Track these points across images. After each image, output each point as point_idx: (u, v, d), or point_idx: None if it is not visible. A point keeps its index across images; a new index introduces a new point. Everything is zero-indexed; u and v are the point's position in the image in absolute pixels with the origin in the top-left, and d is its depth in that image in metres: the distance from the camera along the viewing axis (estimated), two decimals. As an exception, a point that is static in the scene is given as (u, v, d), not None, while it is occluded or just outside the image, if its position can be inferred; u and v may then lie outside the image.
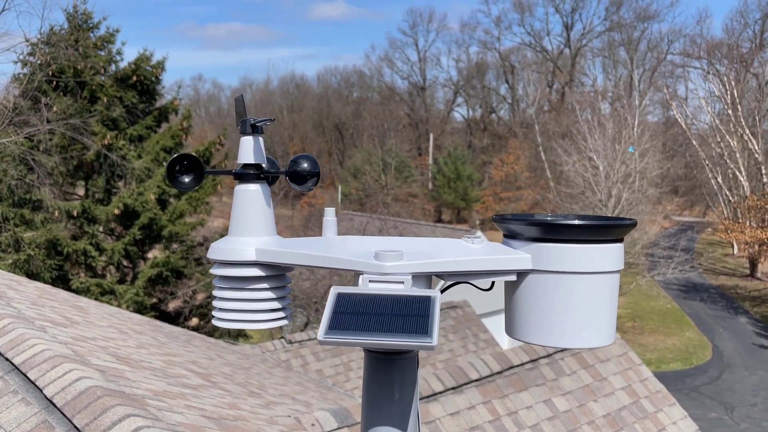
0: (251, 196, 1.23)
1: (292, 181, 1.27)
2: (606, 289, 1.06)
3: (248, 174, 1.24)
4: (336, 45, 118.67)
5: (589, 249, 1.04)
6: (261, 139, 1.24)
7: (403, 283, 1.02)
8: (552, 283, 1.05)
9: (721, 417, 14.40)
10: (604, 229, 1.05)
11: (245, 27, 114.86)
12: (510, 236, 1.12)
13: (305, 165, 1.27)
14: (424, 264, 1.05)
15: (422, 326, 0.94)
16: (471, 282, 1.12)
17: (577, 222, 1.05)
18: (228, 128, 16.91)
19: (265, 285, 1.20)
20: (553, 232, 1.05)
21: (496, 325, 11.72)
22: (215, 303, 1.22)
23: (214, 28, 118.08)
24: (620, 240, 1.08)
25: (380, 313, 0.96)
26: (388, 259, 1.03)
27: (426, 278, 1.07)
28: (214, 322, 1.22)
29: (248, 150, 1.23)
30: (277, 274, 1.21)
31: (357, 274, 1.06)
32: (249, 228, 1.22)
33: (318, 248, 1.16)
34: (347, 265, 1.08)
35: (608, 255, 1.05)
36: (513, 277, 1.09)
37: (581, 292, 1.04)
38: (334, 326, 0.95)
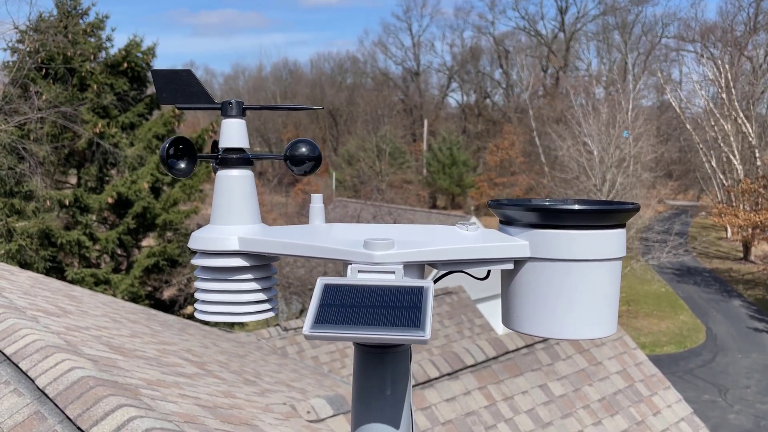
0: (234, 182, 1.18)
1: (292, 163, 1.21)
2: (608, 278, 1.01)
3: (231, 159, 1.18)
4: (330, 31, 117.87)
5: (590, 235, 0.99)
6: (244, 121, 1.19)
7: (394, 273, 0.97)
8: (551, 272, 1.00)
9: (715, 399, 14.53)
10: (606, 214, 1.00)
11: (240, 14, 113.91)
12: (506, 222, 1.07)
13: (304, 149, 1.20)
14: (417, 253, 0.99)
15: (414, 319, 0.89)
16: (466, 271, 1.08)
17: (577, 207, 1.00)
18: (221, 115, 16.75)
19: (249, 275, 1.15)
20: (553, 218, 1.00)
21: (491, 311, 11.74)
22: (197, 295, 1.17)
23: (208, 14, 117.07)
24: (622, 225, 1.03)
25: (370, 305, 0.91)
26: (378, 248, 0.98)
27: (418, 267, 1.02)
28: (197, 315, 1.17)
29: (231, 133, 1.18)
30: (261, 264, 1.16)
31: (345, 263, 1.01)
32: (232, 216, 1.17)
33: (304, 237, 1.11)
34: (335, 255, 1.02)
35: (610, 241, 1.01)
36: (510, 266, 1.04)
37: (582, 281, 1.00)
38: (321, 319, 0.90)
